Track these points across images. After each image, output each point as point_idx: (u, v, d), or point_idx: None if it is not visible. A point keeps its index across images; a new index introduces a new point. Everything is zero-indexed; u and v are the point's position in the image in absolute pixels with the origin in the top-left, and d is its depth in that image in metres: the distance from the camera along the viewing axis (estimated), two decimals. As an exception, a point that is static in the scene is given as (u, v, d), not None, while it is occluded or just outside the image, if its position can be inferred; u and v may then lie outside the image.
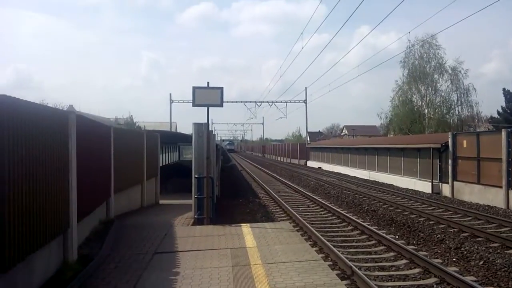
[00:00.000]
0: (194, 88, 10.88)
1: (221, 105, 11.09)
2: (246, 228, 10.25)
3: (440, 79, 44.53)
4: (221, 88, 11.05)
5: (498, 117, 50.59)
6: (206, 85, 11.16)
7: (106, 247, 8.37)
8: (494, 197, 17.64)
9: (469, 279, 7.80)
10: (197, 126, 11.85)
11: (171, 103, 56.64)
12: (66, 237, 7.21)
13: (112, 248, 8.44)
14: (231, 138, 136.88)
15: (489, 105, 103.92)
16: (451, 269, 8.34)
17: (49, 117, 6.51)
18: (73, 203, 7.36)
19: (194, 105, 10.91)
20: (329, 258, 9.32)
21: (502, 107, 51.09)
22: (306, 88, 61.21)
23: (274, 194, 21.24)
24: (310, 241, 10.93)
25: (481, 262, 8.95)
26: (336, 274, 7.25)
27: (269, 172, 39.99)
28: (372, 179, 30.36)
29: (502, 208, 16.44)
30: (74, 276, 6.54)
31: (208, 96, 10.99)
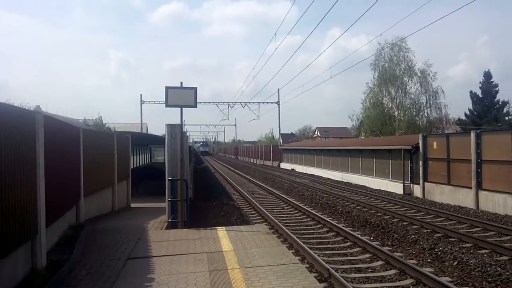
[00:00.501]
0: (167, 88, 10.63)
1: (194, 106, 10.88)
2: (221, 231, 10.06)
3: (410, 82, 45.36)
4: (195, 89, 10.84)
5: (466, 119, 52.06)
6: (179, 85, 10.94)
7: (76, 253, 8.03)
8: (464, 198, 18.01)
9: (444, 279, 7.85)
10: (170, 127, 11.58)
11: (141, 103, 55.77)
12: (35, 243, 6.87)
13: (83, 254, 8.11)
14: (204, 140, 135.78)
15: (457, 108, 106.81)
16: (427, 270, 8.39)
17: (15, 117, 6.18)
18: (42, 207, 7.03)
19: (167, 105, 10.66)
20: (306, 261, 9.25)
21: (469, 109, 52.62)
22: (278, 89, 61.37)
23: (248, 196, 21.09)
24: (287, 243, 10.84)
25: (455, 263, 9.04)
26: (314, 277, 7.17)
27: (243, 174, 39.84)
28: (345, 181, 30.60)
29: (472, 209, 16.79)
30: (43, 284, 6.22)
31: (181, 97, 10.76)
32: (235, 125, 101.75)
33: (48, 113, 11.97)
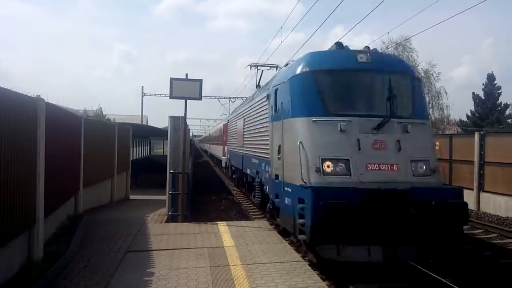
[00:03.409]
0: (172, 80, 10.44)
1: (199, 98, 10.70)
2: (222, 226, 9.91)
3: (413, 82, 45.04)
4: (200, 81, 10.65)
5: (467, 120, 51.88)
6: (184, 77, 10.74)
7: (74, 245, 7.88)
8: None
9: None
10: (174, 119, 11.40)
11: (142, 96, 55.43)
12: (32, 233, 6.72)
13: (81, 246, 7.96)
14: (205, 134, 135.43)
15: (459, 109, 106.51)
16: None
17: (17, 103, 6.00)
18: (40, 197, 6.87)
19: (171, 97, 10.47)
20: (306, 258, 9.09)
21: (471, 111, 52.41)
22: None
23: (248, 192, 20.91)
24: (287, 240, 10.66)
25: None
26: (317, 275, 7.01)
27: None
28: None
29: (473, 210, 16.65)
30: (40, 275, 6.06)
31: (186, 89, 10.57)
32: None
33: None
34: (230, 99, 55.34)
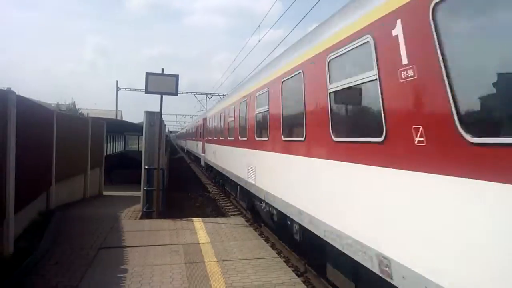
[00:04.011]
0: (148, 74, 10.31)
1: (175, 94, 10.58)
2: (198, 222, 9.85)
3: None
4: (177, 76, 10.55)
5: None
6: (160, 72, 10.62)
7: (46, 241, 7.70)
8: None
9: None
10: (149, 114, 11.27)
11: (117, 90, 54.53)
12: (1, 229, 6.53)
13: (52, 242, 7.78)
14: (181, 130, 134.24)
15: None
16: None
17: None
18: (10, 193, 6.68)
19: (147, 92, 10.33)
20: (282, 255, 9.15)
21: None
22: (257, 83, 60.96)
23: (225, 188, 20.87)
24: (264, 237, 10.71)
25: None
26: (293, 271, 7.06)
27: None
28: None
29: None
30: (10, 272, 5.90)
31: (162, 84, 10.45)
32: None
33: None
34: (207, 95, 55.11)
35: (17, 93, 7.13)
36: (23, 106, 7.53)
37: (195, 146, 33.46)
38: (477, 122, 3.18)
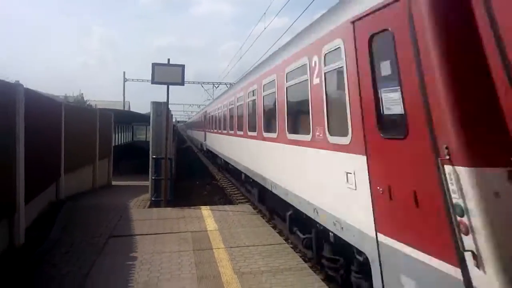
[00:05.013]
0: (154, 65, 10.34)
1: (182, 84, 10.62)
2: (206, 210, 9.95)
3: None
4: (183, 66, 10.57)
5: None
6: (166, 62, 10.64)
7: (56, 230, 7.84)
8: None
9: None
10: (156, 105, 11.33)
11: (124, 81, 54.70)
12: (13, 219, 6.66)
13: (63, 231, 7.92)
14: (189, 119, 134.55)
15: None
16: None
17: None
18: (21, 183, 6.80)
19: (153, 82, 10.37)
20: (289, 241, 9.20)
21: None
22: (263, 71, 60.69)
23: (232, 177, 20.98)
24: (270, 223, 10.77)
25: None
26: (300, 257, 7.13)
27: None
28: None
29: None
30: (22, 262, 6.03)
31: (168, 74, 10.48)
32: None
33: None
34: (213, 84, 55.08)
35: (25, 86, 7.21)
36: (31, 98, 7.62)
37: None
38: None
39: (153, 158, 11.30)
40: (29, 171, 7.15)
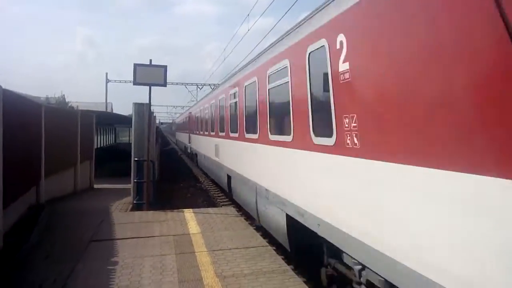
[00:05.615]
0: (136, 66, 10.25)
1: (164, 85, 10.55)
2: (189, 213, 9.89)
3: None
4: (165, 67, 10.50)
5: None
6: (148, 63, 10.56)
7: (36, 235, 7.71)
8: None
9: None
10: (138, 106, 11.23)
11: (107, 82, 54.15)
12: (-10, 224, 6.51)
13: (43, 236, 7.79)
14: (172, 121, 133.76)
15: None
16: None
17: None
18: (-2, 187, 6.65)
19: (135, 83, 10.28)
20: (272, 243, 9.20)
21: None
22: (247, 72, 60.63)
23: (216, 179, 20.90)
24: (253, 226, 10.76)
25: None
26: (283, 259, 7.12)
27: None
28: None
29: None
30: (0, 266, 5.90)
31: (150, 75, 10.40)
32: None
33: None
34: (197, 85, 54.86)
35: (3, 87, 7.06)
36: (9, 100, 7.47)
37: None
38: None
39: (135, 160, 11.19)
40: (7, 174, 7.00)
